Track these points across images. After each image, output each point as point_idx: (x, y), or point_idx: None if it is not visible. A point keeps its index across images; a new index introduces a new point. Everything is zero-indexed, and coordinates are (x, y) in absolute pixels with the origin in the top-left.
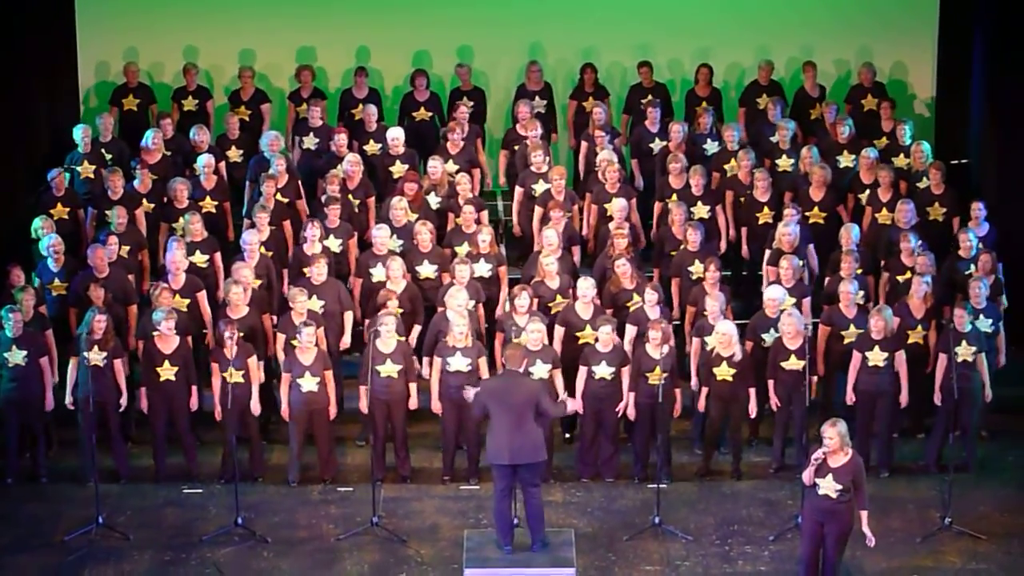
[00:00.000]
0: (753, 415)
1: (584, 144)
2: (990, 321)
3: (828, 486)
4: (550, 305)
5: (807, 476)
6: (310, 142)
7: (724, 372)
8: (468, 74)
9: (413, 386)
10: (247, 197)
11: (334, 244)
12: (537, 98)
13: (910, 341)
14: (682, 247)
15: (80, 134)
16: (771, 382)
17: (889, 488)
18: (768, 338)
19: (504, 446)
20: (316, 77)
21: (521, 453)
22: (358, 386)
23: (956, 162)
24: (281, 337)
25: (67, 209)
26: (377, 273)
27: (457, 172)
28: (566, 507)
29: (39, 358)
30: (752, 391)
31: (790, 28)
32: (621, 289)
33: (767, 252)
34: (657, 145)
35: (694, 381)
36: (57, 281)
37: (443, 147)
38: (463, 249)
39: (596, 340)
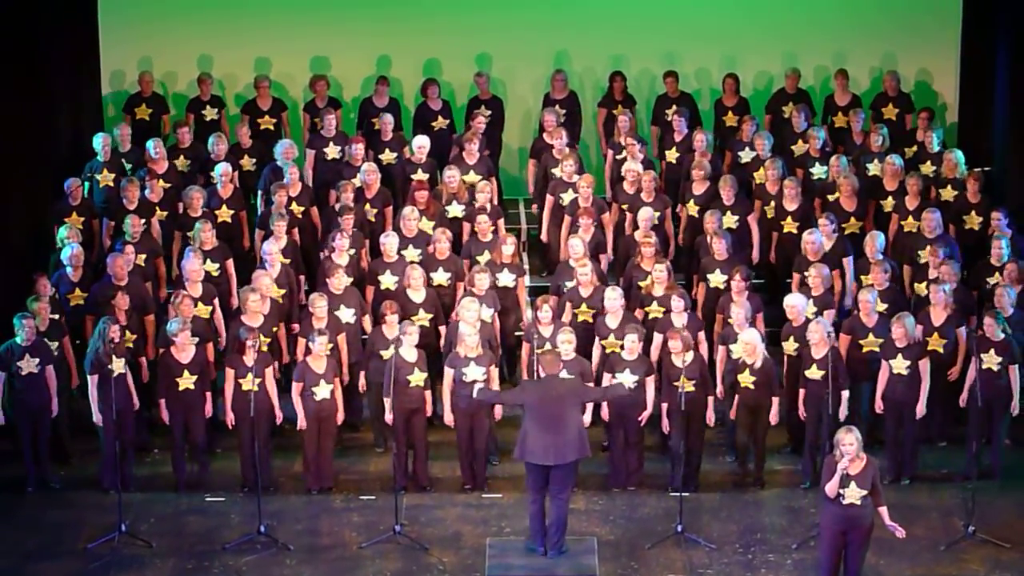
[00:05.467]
0: (774, 423)
1: (610, 152)
2: (1012, 331)
3: (853, 494)
4: (576, 312)
5: (832, 488)
6: (333, 151)
7: (746, 379)
8: (487, 83)
9: (428, 394)
10: (261, 206)
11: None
12: (558, 107)
13: (929, 348)
14: (708, 255)
15: (100, 143)
16: (801, 391)
17: (912, 496)
18: (787, 346)
19: (547, 447)
20: (331, 87)
21: (563, 452)
22: (384, 397)
23: (979, 169)
24: (303, 342)
25: (82, 219)
26: (385, 280)
27: (479, 181)
28: (588, 515)
29: (47, 367)
30: (775, 400)
31: (816, 36)
32: (648, 294)
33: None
34: (675, 154)
35: (719, 389)
36: (77, 291)
37: (459, 157)
38: (484, 258)
39: (622, 348)
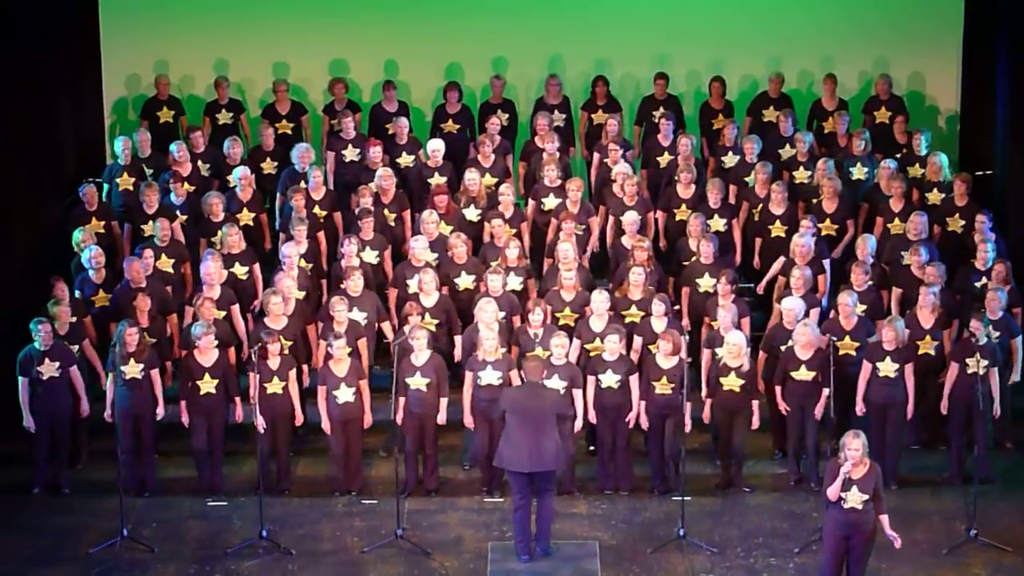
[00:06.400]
0: (755, 427)
1: (596, 156)
2: (998, 334)
3: (855, 498)
4: (558, 315)
5: (833, 492)
6: (351, 154)
7: (731, 382)
8: (502, 87)
9: (443, 401)
10: (278, 210)
11: (371, 256)
12: (556, 112)
13: (920, 352)
14: (694, 259)
15: (120, 146)
16: (778, 388)
17: (914, 500)
18: (784, 349)
19: (524, 454)
20: (349, 90)
21: (540, 461)
22: (396, 398)
23: (980, 173)
24: (323, 345)
25: (102, 222)
26: (413, 284)
27: (497, 184)
28: (590, 519)
29: (70, 368)
30: (756, 404)
31: (808, 39)
32: (624, 297)
33: (782, 263)
34: (665, 158)
35: (704, 392)
36: (102, 292)
37: (476, 160)
38: (496, 262)
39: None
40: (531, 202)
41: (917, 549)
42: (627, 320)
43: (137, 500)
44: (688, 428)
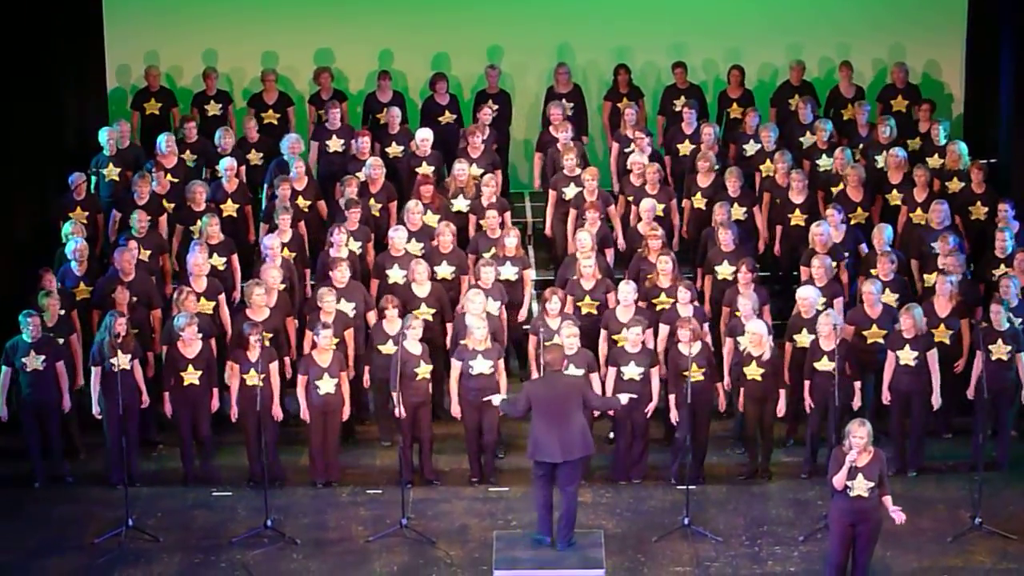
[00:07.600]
0: (781, 414)
1: (616, 145)
2: (1020, 320)
3: (860, 486)
4: (579, 305)
5: (839, 480)
6: (335, 144)
7: (753, 372)
8: (497, 77)
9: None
10: (265, 200)
11: (354, 246)
12: (565, 100)
13: (936, 340)
14: (715, 247)
15: (106, 137)
16: (807, 383)
17: (919, 488)
18: (800, 339)
19: (554, 444)
20: (335, 79)
21: (569, 450)
22: (386, 392)
23: (985, 161)
24: (310, 336)
25: (86, 213)
26: (393, 274)
27: (482, 175)
28: (595, 508)
29: (56, 363)
30: (782, 391)
31: (822, 28)
32: (654, 286)
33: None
34: (688, 146)
35: (727, 381)
36: (82, 285)
37: (465, 150)
38: (490, 253)
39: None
40: (551, 192)
41: (922, 537)
42: (658, 308)
43: (142, 490)
44: (723, 408)
